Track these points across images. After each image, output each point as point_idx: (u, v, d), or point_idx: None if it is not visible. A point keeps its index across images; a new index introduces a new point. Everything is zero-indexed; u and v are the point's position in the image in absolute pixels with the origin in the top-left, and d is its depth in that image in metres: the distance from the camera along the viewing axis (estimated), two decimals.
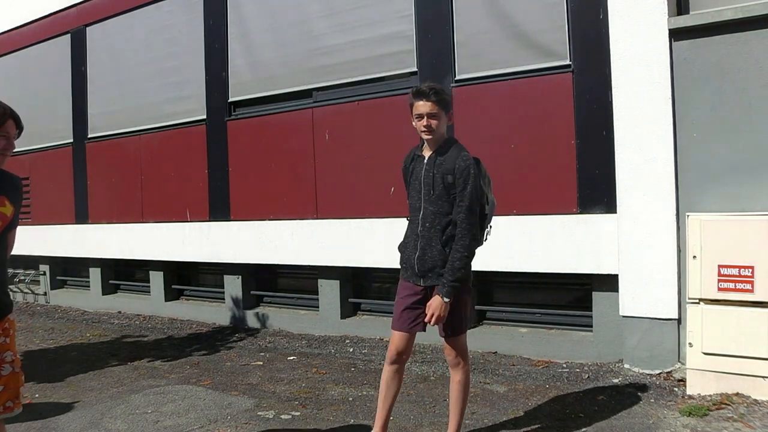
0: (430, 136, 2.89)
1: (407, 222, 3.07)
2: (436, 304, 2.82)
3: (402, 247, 3.06)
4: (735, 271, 3.58)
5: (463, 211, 2.82)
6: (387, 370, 3.01)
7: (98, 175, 7.72)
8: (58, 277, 8.82)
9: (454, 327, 2.94)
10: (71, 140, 8.02)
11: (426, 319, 2.86)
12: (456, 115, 4.99)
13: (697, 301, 3.73)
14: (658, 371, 4.13)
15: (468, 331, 5.03)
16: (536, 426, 3.45)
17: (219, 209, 6.50)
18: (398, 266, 3.10)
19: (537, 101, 4.68)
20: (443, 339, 3.00)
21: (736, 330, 3.58)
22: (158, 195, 7.06)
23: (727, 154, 3.91)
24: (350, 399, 4.04)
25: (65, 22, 8.06)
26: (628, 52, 4.20)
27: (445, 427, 3.48)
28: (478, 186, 2.85)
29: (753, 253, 3.54)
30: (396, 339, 2.98)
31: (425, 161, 2.93)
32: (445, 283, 2.82)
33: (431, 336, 5.28)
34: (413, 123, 2.95)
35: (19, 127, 2.38)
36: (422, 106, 2.85)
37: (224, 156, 6.45)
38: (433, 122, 2.85)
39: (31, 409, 4.08)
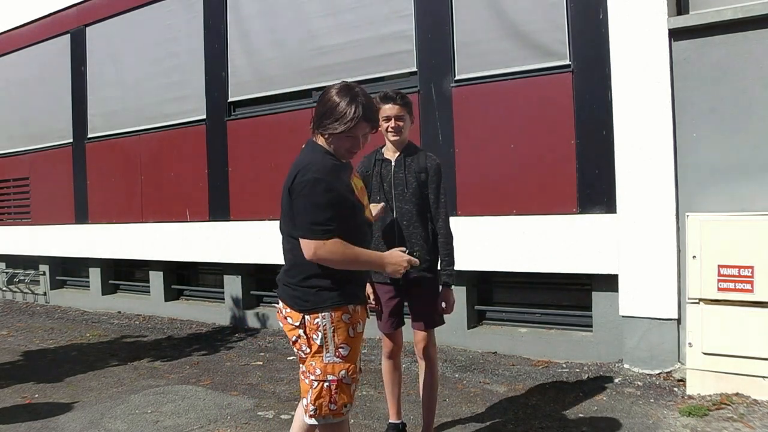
0: (397, 137, 3.08)
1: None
2: (451, 295, 3.15)
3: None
4: (735, 271, 3.58)
5: (443, 206, 3.12)
6: (385, 364, 3.30)
7: (98, 175, 7.72)
8: (58, 277, 8.82)
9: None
10: (71, 140, 8.02)
11: (447, 312, 3.16)
12: (456, 115, 5.07)
13: (697, 301, 3.73)
14: (658, 371, 4.13)
15: (468, 330, 5.15)
16: (536, 426, 3.45)
17: (219, 209, 6.50)
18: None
19: (537, 101, 4.68)
20: (420, 332, 3.17)
21: (735, 330, 3.58)
22: (158, 195, 7.06)
23: (727, 154, 3.91)
24: None
25: (65, 22, 8.06)
26: (628, 52, 4.20)
27: (446, 427, 3.49)
28: None
29: (753, 253, 3.54)
30: (388, 338, 3.26)
31: (393, 163, 3.12)
32: (450, 273, 3.13)
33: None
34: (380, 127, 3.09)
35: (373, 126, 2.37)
36: (390, 109, 3.06)
37: (224, 156, 6.45)
38: (400, 124, 3.07)
39: (31, 409, 4.09)
